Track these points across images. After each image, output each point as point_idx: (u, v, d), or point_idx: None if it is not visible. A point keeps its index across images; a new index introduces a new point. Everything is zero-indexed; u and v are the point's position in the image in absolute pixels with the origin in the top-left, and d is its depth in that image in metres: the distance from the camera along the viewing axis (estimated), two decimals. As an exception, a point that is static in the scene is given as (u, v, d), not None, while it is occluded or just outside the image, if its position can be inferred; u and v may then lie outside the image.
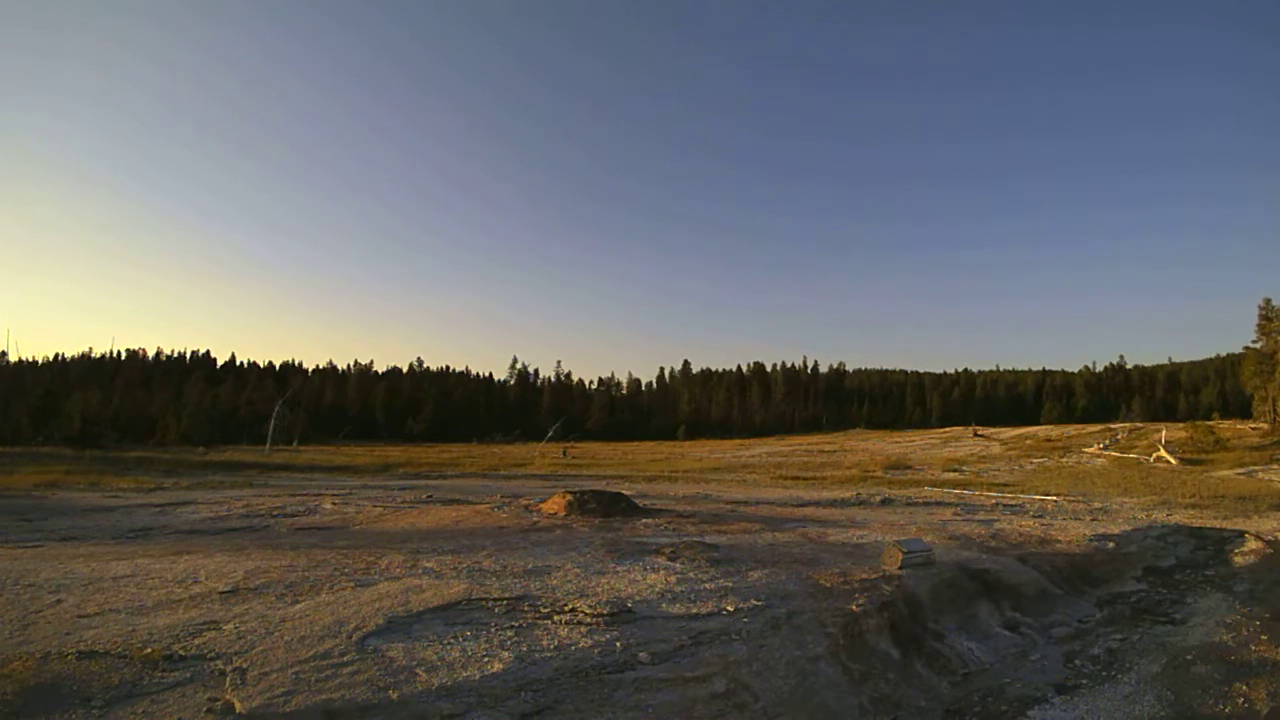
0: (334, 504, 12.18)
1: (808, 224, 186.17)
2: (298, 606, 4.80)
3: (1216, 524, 11.07)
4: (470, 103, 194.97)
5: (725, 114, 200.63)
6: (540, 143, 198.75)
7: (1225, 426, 43.83)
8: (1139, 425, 52.81)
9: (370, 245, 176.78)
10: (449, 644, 4.11)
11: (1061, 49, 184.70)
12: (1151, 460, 25.45)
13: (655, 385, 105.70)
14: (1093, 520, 11.25)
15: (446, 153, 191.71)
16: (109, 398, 50.72)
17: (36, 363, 70.03)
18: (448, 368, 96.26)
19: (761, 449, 39.70)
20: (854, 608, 5.16)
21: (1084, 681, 4.81)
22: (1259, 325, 40.13)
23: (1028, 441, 38.28)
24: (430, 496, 14.19)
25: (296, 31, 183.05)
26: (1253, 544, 9.44)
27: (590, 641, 4.23)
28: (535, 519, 9.82)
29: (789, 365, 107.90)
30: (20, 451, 26.78)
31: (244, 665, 3.65)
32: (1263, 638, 5.53)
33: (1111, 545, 8.76)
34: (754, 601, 5.20)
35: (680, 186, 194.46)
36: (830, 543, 8.08)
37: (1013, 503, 14.25)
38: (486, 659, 3.89)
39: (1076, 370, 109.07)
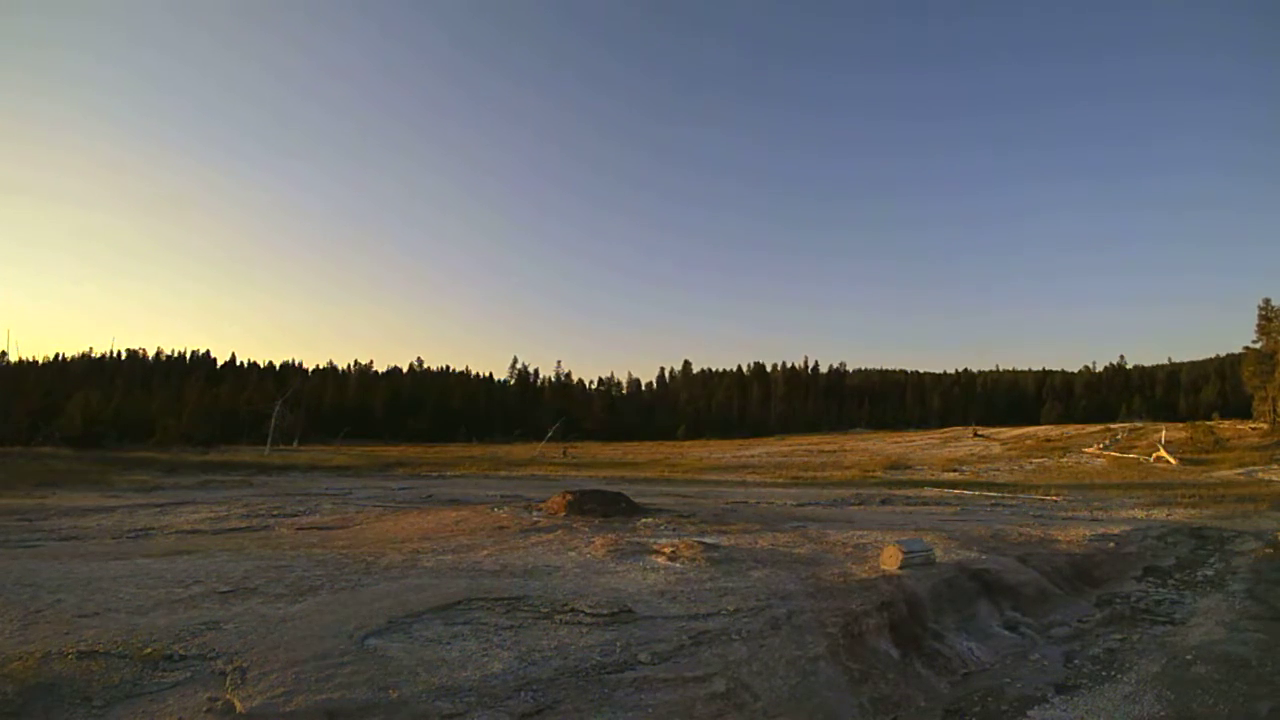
0: (334, 504, 12.17)
1: (808, 227, 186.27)
2: (298, 606, 4.80)
3: (1216, 524, 11.07)
4: (468, 107, 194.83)
5: (723, 121, 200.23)
6: (540, 148, 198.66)
7: (1225, 426, 43.83)
8: (1139, 425, 52.72)
9: (370, 245, 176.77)
10: (449, 644, 4.11)
11: (1069, 63, 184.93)
12: (1151, 460, 25.45)
13: (655, 385, 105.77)
14: (1093, 520, 11.25)
15: (446, 155, 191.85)
16: (109, 398, 50.52)
17: (36, 363, 69.86)
18: (448, 368, 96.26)
19: (761, 449, 39.69)
20: (854, 607, 5.17)
21: (1084, 681, 4.81)
22: (1259, 325, 40.23)
23: (1028, 441, 38.24)
24: (430, 496, 14.19)
25: (299, 28, 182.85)
26: (1253, 544, 9.45)
27: (590, 641, 4.23)
28: (535, 519, 9.81)
29: (789, 365, 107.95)
30: (20, 451, 26.75)
31: (244, 665, 3.65)
32: (1262, 638, 5.54)
33: (1111, 545, 8.76)
34: (754, 601, 5.20)
35: (680, 190, 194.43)
36: (830, 542, 8.07)
37: (1013, 503, 14.26)
38: (486, 659, 3.88)
39: (1076, 370, 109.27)
